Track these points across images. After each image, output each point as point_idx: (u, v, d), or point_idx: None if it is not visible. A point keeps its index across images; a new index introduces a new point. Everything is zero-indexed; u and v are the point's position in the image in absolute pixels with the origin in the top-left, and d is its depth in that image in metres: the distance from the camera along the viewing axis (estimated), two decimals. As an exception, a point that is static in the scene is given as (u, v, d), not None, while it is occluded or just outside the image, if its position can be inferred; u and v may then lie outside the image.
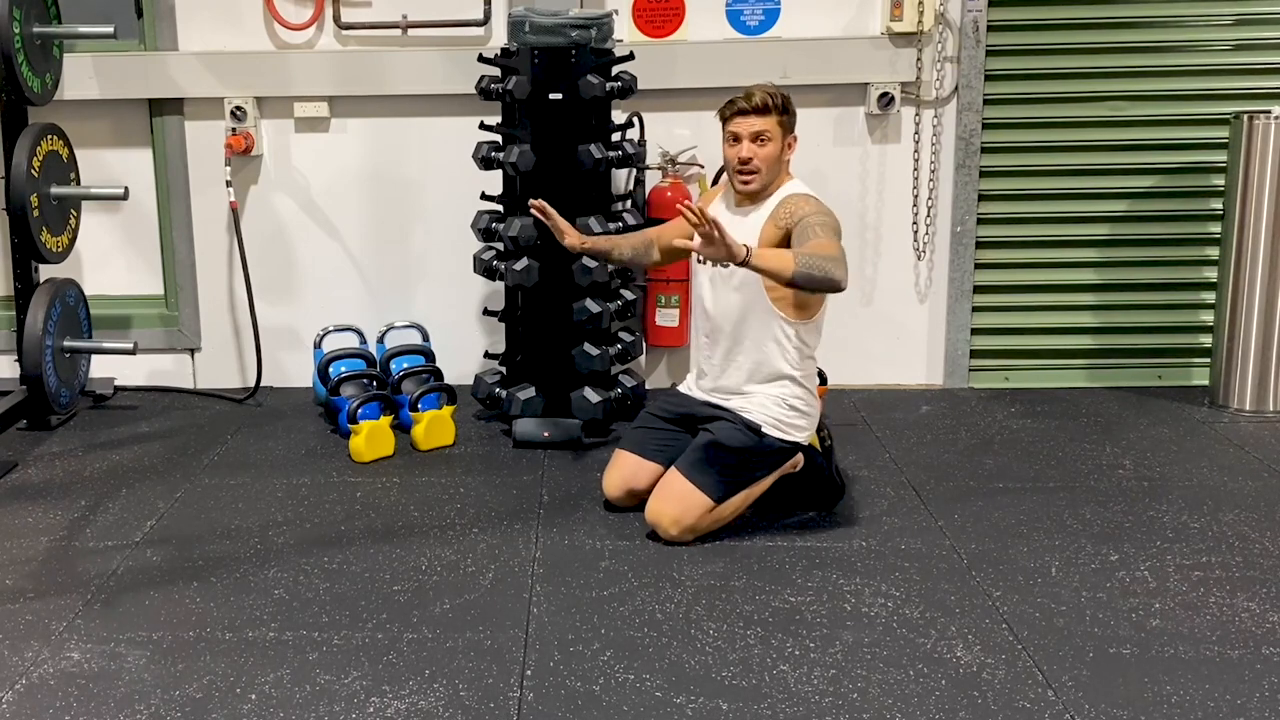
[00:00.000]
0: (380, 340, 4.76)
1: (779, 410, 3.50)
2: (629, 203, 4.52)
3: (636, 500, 3.62)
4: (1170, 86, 4.76)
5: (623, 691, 2.72)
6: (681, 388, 3.78)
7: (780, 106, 3.46)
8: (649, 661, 2.84)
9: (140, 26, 4.71)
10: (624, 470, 3.65)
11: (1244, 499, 3.77)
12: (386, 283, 4.91)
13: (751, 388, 3.54)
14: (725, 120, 3.52)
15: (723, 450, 3.45)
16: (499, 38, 4.61)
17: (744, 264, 3.20)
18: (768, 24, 4.67)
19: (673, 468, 3.49)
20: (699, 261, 3.55)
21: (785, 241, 3.40)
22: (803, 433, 3.55)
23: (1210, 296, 4.81)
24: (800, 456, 3.60)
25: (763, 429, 3.48)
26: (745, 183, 3.49)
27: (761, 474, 3.51)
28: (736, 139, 3.47)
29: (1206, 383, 4.76)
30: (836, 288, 3.26)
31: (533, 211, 3.68)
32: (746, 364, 3.54)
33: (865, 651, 2.88)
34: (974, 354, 4.92)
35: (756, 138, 3.45)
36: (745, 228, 3.48)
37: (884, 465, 4.07)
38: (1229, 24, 4.77)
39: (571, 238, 3.70)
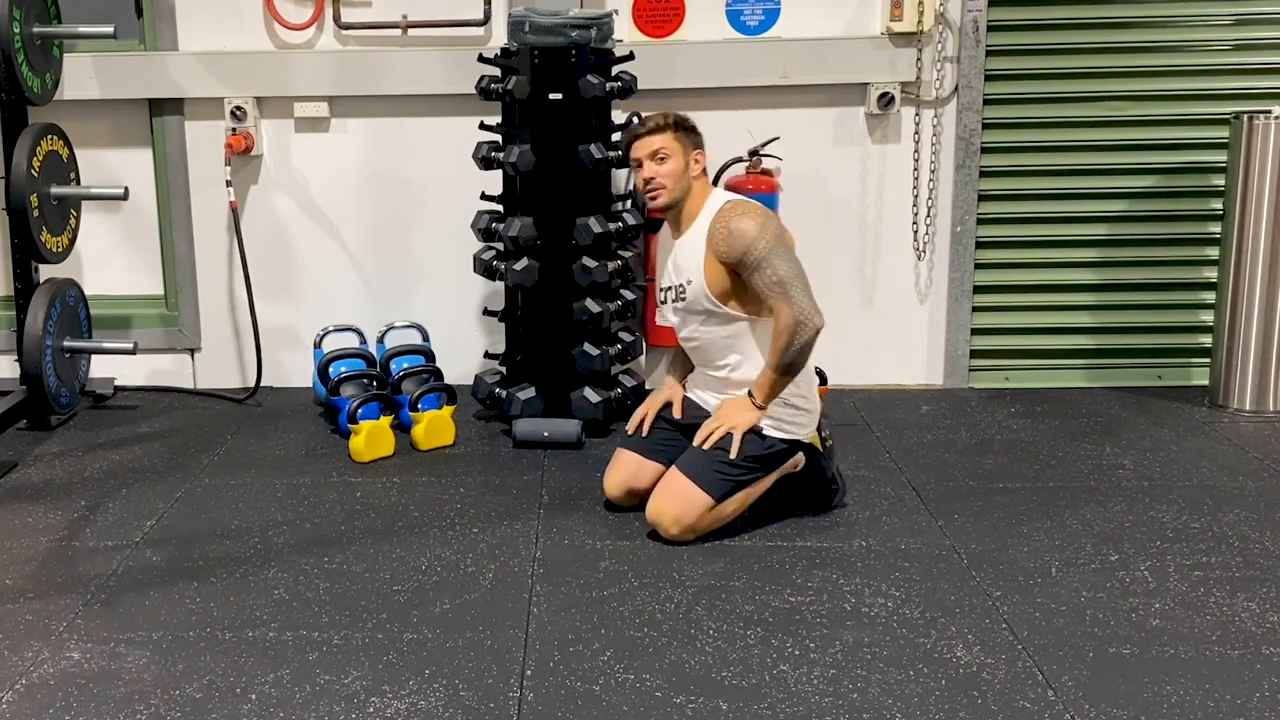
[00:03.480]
0: (380, 340, 4.76)
1: (779, 409, 3.50)
2: (629, 203, 4.52)
3: (637, 500, 3.62)
4: (1170, 86, 4.76)
5: (623, 691, 2.72)
6: (690, 392, 3.75)
7: (673, 124, 3.52)
8: (649, 661, 2.84)
9: (140, 26, 4.71)
10: (625, 470, 3.65)
11: (1244, 499, 3.77)
12: (386, 283, 4.91)
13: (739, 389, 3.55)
14: (626, 150, 3.61)
15: (724, 451, 3.45)
16: (499, 38, 4.61)
17: (761, 408, 3.44)
18: (768, 24, 4.67)
19: (674, 467, 3.49)
20: (662, 302, 3.68)
21: (734, 277, 3.44)
22: (804, 429, 3.56)
23: (1210, 296, 4.81)
24: (801, 456, 3.60)
25: (764, 429, 3.48)
26: (653, 199, 3.55)
27: (762, 473, 3.51)
28: (639, 164, 3.55)
29: (1206, 383, 4.76)
30: (816, 337, 3.41)
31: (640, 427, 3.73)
32: (739, 372, 3.55)
33: (865, 651, 2.88)
34: (974, 354, 4.92)
35: (654, 155, 3.51)
36: (688, 258, 3.53)
37: (884, 465, 4.07)
38: (1229, 24, 4.77)
39: (677, 394, 3.74)
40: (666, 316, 3.69)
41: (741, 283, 3.45)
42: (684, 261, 3.54)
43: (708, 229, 3.48)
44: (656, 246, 3.80)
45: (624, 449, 3.70)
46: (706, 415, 3.59)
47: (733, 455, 3.41)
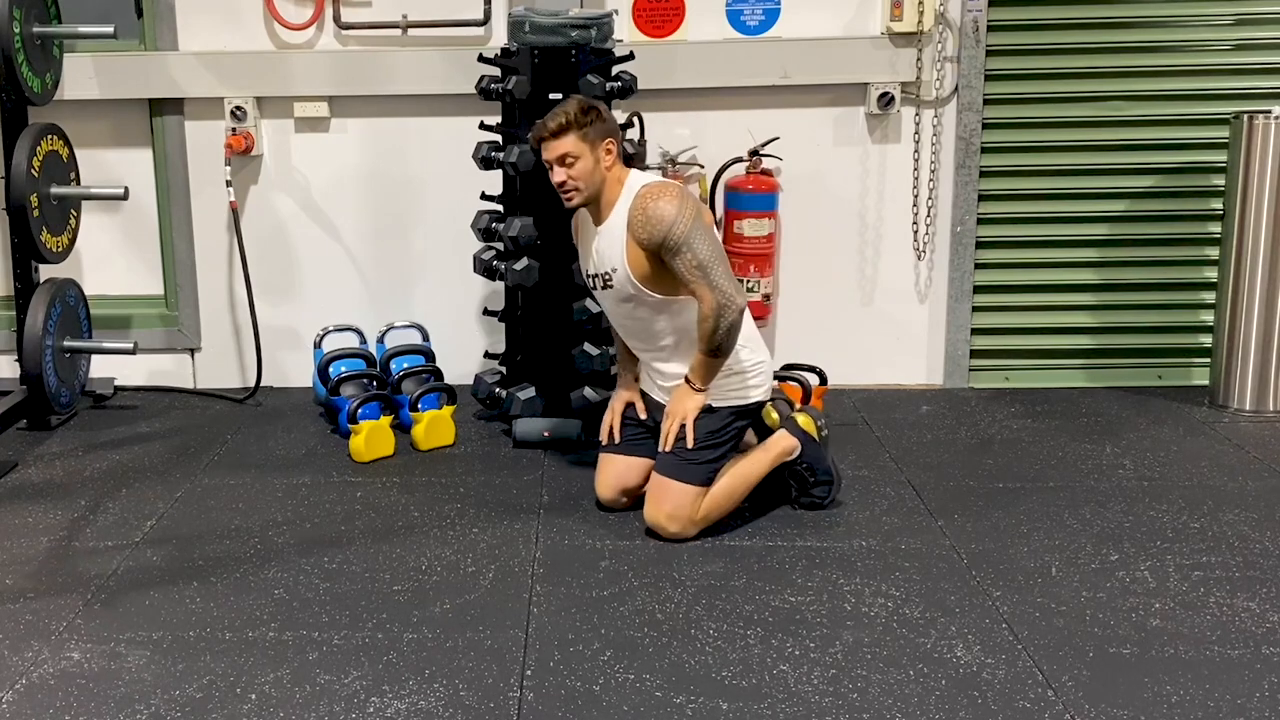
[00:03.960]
0: (380, 340, 4.76)
1: (721, 381, 3.53)
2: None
3: (631, 499, 3.64)
4: (1170, 86, 4.76)
5: (623, 691, 2.72)
6: (645, 387, 3.78)
7: (574, 121, 3.47)
8: (649, 661, 2.84)
9: (140, 26, 4.71)
10: (614, 470, 3.68)
11: (1244, 499, 3.77)
12: (386, 283, 4.91)
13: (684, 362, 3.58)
14: (534, 148, 3.63)
15: (680, 441, 3.50)
16: (499, 38, 4.61)
17: (702, 390, 3.49)
18: (768, 24, 4.67)
19: (654, 473, 3.54)
20: (590, 288, 3.70)
21: (656, 261, 3.45)
22: (758, 389, 3.60)
23: (1210, 296, 4.80)
24: (796, 443, 3.63)
25: (714, 405, 3.53)
26: (568, 200, 3.56)
27: (735, 440, 3.57)
28: (549, 165, 3.55)
29: (1206, 383, 4.76)
30: (740, 318, 3.42)
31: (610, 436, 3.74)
32: (671, 351, 3.59)
33: (865, 651, 2.88)
34: (974, 354, 4.92)
35: (562, 160, 3.50)
36: (610, 246, 3.54)
37: (884, 465, 4.07)
38: (1229, 24, 4.77)
39: (639, 397, 3.75)
40: (598, 300, 3.71)
41: (663, 267, 3.46)
42: (606, 249, 3.56)
43: (626, 215, 3.49)
44: (577, 227, 3.79)
45: (607, 453, 3.73)
46: (662, 409, 3.63)
47: (689, 444, 3.46)
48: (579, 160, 3.49)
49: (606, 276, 3.57)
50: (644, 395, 3.76)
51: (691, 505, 3.46)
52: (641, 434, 3.69)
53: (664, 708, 2.65)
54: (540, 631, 2.98)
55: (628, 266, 3.49)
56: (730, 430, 3.55)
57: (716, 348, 3.42)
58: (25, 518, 3.70)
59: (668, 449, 3.49)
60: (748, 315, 3.56)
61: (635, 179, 3.57)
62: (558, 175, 3.52)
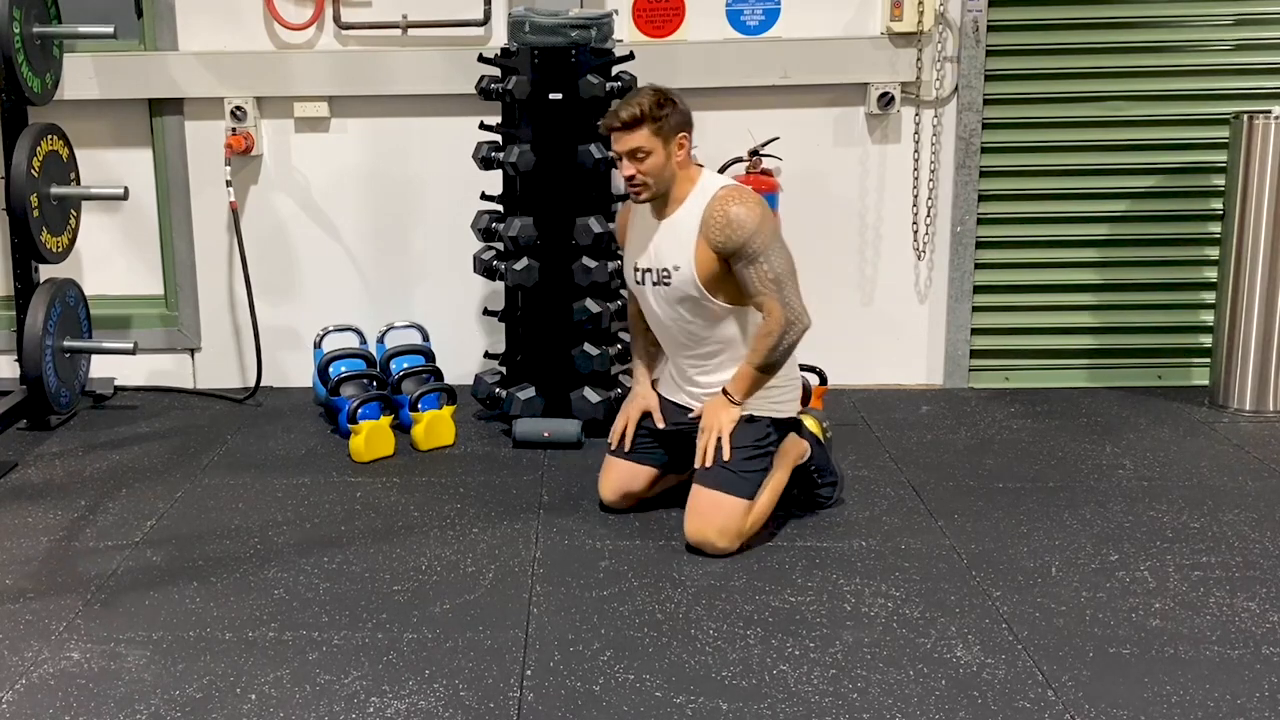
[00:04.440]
0: (380, 340, 4.76)
1: (772, 389, 3.46)
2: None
3: (633, 502, 3.63)
4: (1170, 86, 4.76)
5: (623, 691, 2.72)
6: (664, 392, 3.69)
7: (649, 115, 3.34)
8: (649, 661, 2.84)
9: (140, 26, 4.71)
10: (620, 475, 3.64)
11: (1244, 499, 3.77)
12: (386, 283, 4.91)
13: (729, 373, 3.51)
14: (605, 135, 3.48)
15: (735, 449, 3.41)
16: (499, 38, 4.61)
17: (739, 404, 3.39)
18: (768, 24, 4.67)
19: (696, 486, 3.41)
20: (637, 283, 3.56)
21: (724, 267, 3.37)
22: (791, 405, 3.55)
23: (1210, 296, 4.80)
24: (808, 447, 3.62)
25: (754, 415, 3.46)
26: (636, 195, 3.46)
27: (772, 453, 3.49)
28: (619, 157, 3.43)
29: (1206, 383, 4.76)
30: (800, 337, 3.38)
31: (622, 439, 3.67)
32: (715, 362, 3.52)
33: (865, 651, 2.88)
34: (974, 354, 4.92)
35: (633, 154, 3.37)
36: (675, 243, 3.42)
37: (884, 465, 4.07)
38: (1229, 24, 4.77)
39: (655, 403, 3.66)
40: (644, 296, 3.58)
41: (730, 272, 3.38)
42: (670, 246, 3.44)
43: (701, 215, 3.38)
44: (628, 218, 3.65)
45: (614, 456, 3.68)
46: (686, 416, 3.57)
47: (726, 457, 3.37)
48: (650, 155, 3.37)
49: (664, 273, 3.46)
50: (665, 404, 3.66)
51: (741, 520, 3.38)
52: (650, 442, 3.64)
53: (664, 708, 2.65)
54: (540, 631, 2.98)
55: (694, 268, 3.39)
56: (770, 441, 3.48)
57: (770, 364, 3.35)
58: (25, 518, 3.70)
59: (708, 464, 3.38)
60: None
61: (709, 178, 3.48)
62: (627, 169, 3.40)
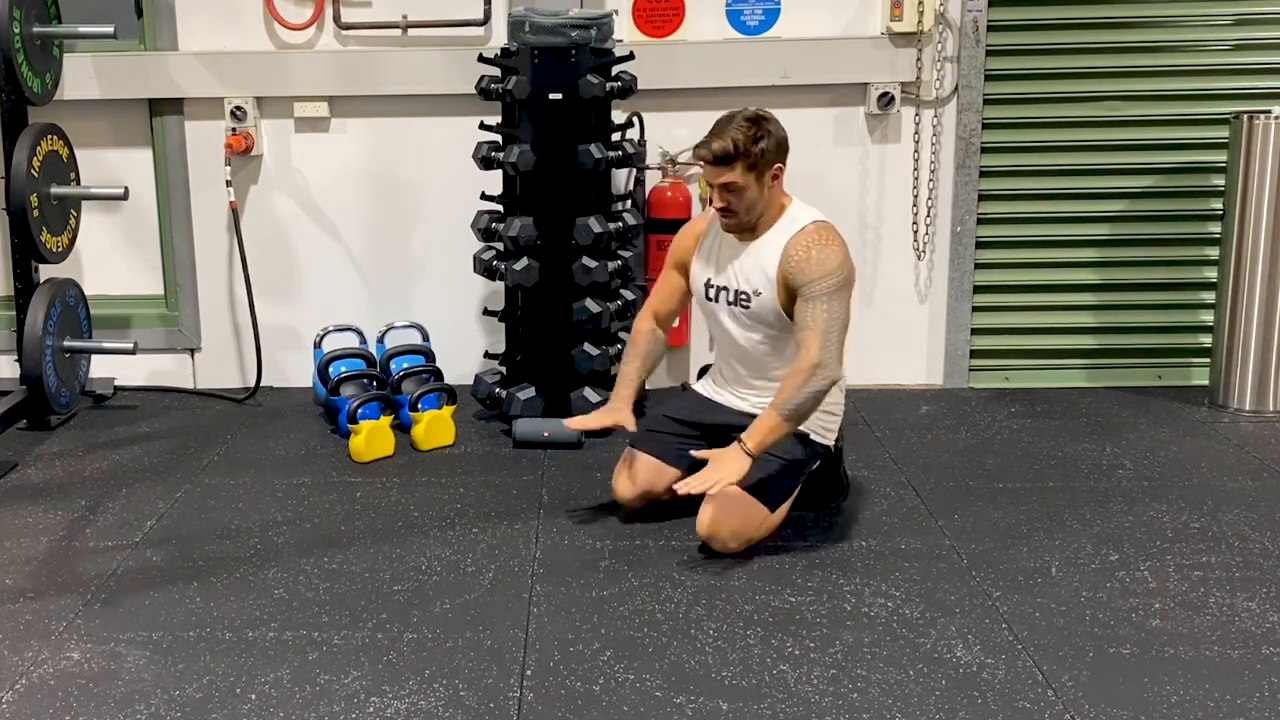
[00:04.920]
0: (380, 340, 4.76)
1: (822, 415, 3.43)
2: (629, 203, 4.53)
3: (648, 503, 3.58)
4: (1170, 86, 4.76)
5: (623, 691, 2.72)
6: (705, 391, 3.66)
7: (742, 152, 3.25)
8: (649, 661, 2.84)
9: (140, 26, 4.71)
10: (645, 473, 3.57)
11: (1244, 499, 3.77)
12: (386, 283, 4.91)
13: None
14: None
15: (776, 459, 3.38)
16: (499, 38, 4.61)
17: (753, 457, 3.24)
18: (768, 24, 4.67)
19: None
20: (708, 299, 3.51)
21: (793, 297, 3.33)
22: (834, 434, 3.54)
23: (1210, 296, 4.80)
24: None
25: (811, 436, 3.45)
26: (725, 225, 3.42)
27: (802, 477, 3.48)
28: (712, 185, 3.36)
29: (1206, 383, 4.76)
30: (828, 387, 3.27)
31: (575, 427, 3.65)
32: (777, 384, 3.42)
33: (865, 651, 2.88)
34: (974, 354, 4.92)
35: (726, 189, 3.31)
36: (758, 269, 3.39)
37: (884, 465, 4.07)
38: (1229, 24, 4.76)
39: (629, 418, 3.57)
40: (715, 313, 3.51)
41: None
42: (752, 270, 3.39)
43: (785, 247, 3.34)
44: (702, 228, 3.57)
45: (640, 451, 3.59)
46: (736, 415, 3.49)
47: (713, 491, 3.22)
48: (744, 190, 3.29)
49: (744, 297, 3.41)
50: (709, 403, 3.62)
51: (757, 528, 3.36)
52: (681, 441, 3.54)
53: (664, 708, 2.65)
54: (540, 631, 2.98)
55: (776, 295, 3.35)
56: (806, 467, 3.46)
57: (798, 410, 3.23)
58: (25, 518, 3.70)
59: (686, 493, 3.22)
60: None
61: (799, 209, 3.42)
62: (719, 199, 3.33)
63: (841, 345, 3.30)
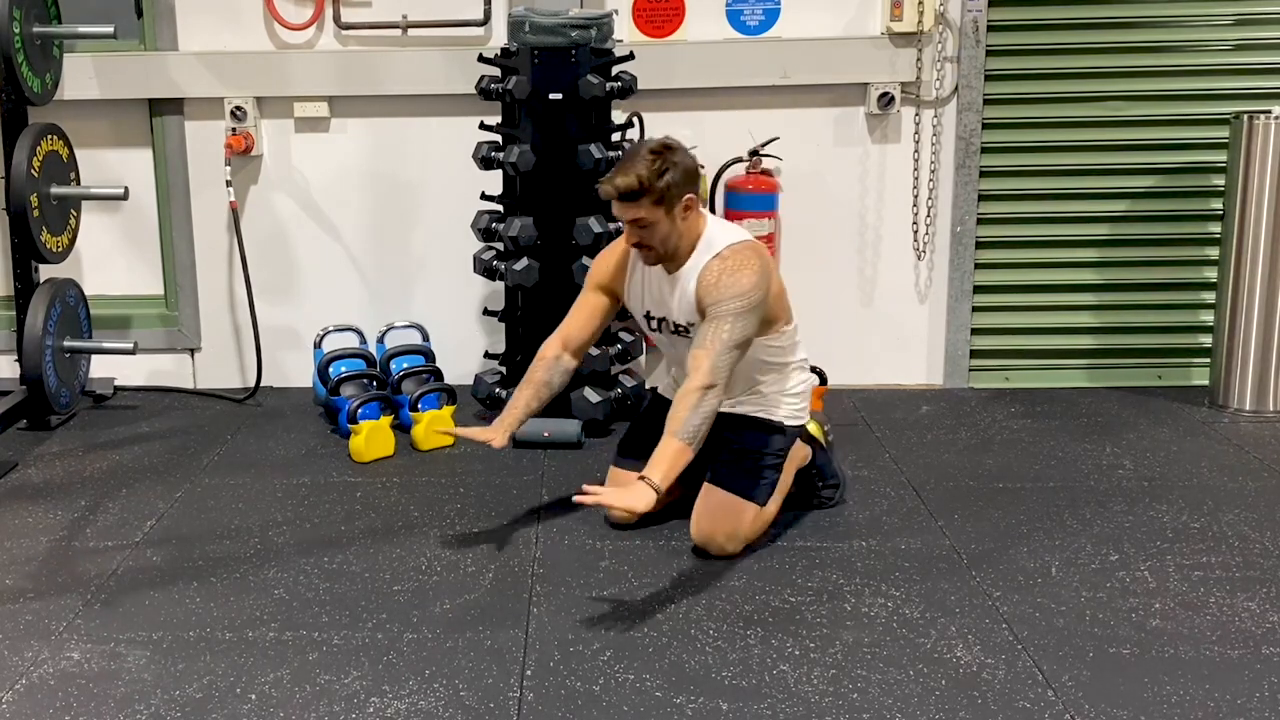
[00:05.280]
0: (380, 340, 4.76)
1: (790, 401, 3.46)
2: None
3: (637, 518, 3.57)
4: (1170, 86, 4.76)
5: (623, 691, 2.72)
6: (668, 394, 3.58)
7: (647, 187, 3.13)
8: (649, 661, 2.84)
9: (140, 26, 4.71)
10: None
11: (1244, 499, 3.77)
12: (386, 283, 4.91)
13: (755, 392, 3.47)
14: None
15: (754, 454, 3.39)
16: (499, 38, 4.61)
17: (658, 490, 3.03)
18: (768, 24, 4.67)
19: (708, 485, 3.39)
20: (651, 329, 3.47)
21: None
22: (804, 415, 3.54)
23: (1210, 296, 4.80)
24: (809, 451, 3.61)
25: (786, 424, 3.45)
26: (644, 260, 3.33)
27: (783, 461, 3.47)
28: (622, 221, 3.27)
29: (1206, 383, 4.76)
30: (717, 406, 3.12)
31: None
32: (739, 385, 3.42)
33: (865, 651, 2.88)
34: (974, 354, 4.92)
35: (636, 224, 3.21)
36: (685, 301, 3.29)
37: (884, 465, 4.07)
38: (1229, 24, 4.76)
39: (499, 437, 3.41)
40: (659, 339, 3.49)
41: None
42: (681, 302, 3.32)
43: (699, 275, 3.23)
44: (626, 260, 3.46)
45: (622, 469, 3.56)
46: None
47: (620, 507, 3.10)
48: (654, 225, 3.19)
49: (683, 328, 3.35)
50: (658, 397, 3.62)
51: (751, 525, 3.37)
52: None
53: (664, 708, 2.65)
54: (540, 631, 2.98)
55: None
56: (785, 452, 3.46)
57: (695, 434, 3.06)
58: (25, 518, 3.70)
59: (583, 503, 3.02)
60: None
61: (716, 234, 3.29)
62: (630, 235, 3.25)
63: (731, 366, 3.15)
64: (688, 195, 3.21)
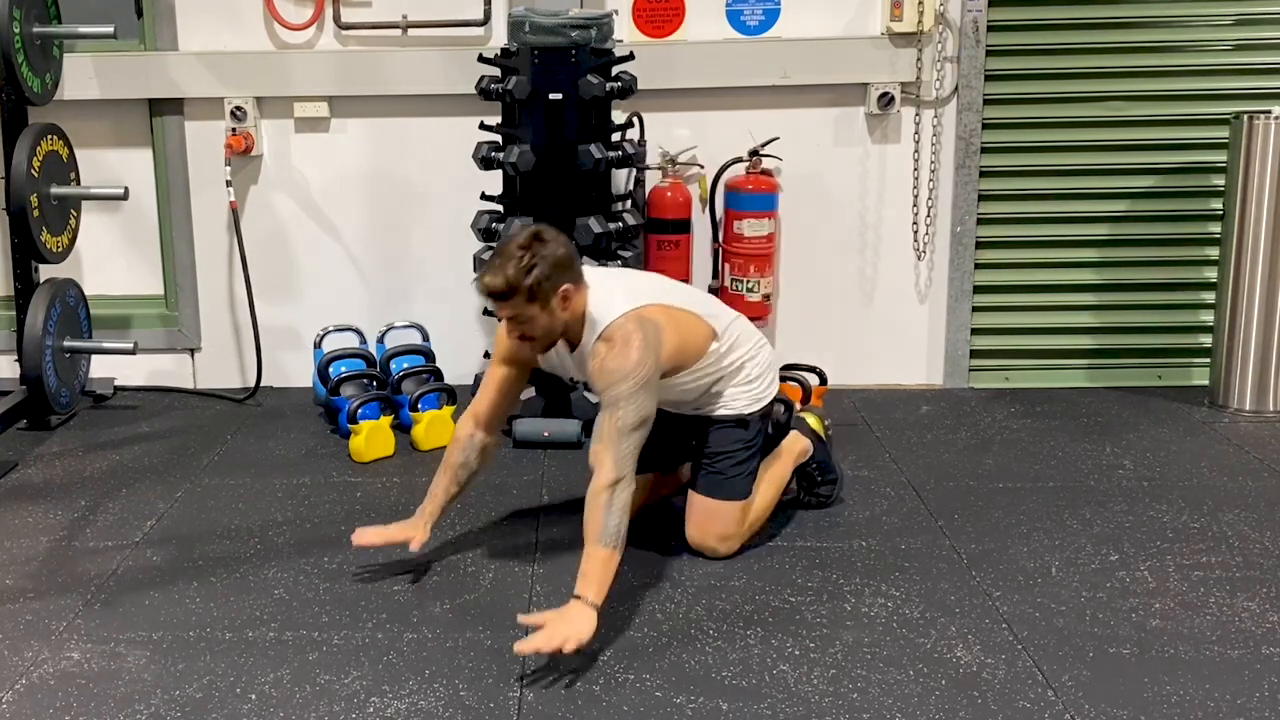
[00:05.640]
0: (380, 340, 4.76)
1: (747, 389, 3.39)
2: (629, 203, 4.53)
3: (637, 512, 3.56)
4: (1170, 86, 4.76)
5: (623, 691, 2.72)
6: None
7: (515, 289, 2.99)
8: (649, 661, 2.84)
9: (140, 26, 4.71)
10: None
11: (1244, 499, 3.77)
12: (386, 283, 4.91)
13: (711, 395, 3.38)
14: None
15: (725, 455, 3.38)
16: (499, 38, 4.60)
17: (597, 608, 2.85)
18: (768, 24, 4.67)
19: (691, 493, 3.40)
20: (585, 392, 3.35)
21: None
22: (771, 387, 3.46)
23: (1210, 296, 4.80)
24: (809, 445, 3.61)
25: (747, 413, 3.39)
26: (532, 350, 3.21)
27: (761, 446, 3.44)
28: (498, 316, 3.18)
29: (1206, 383, 4.76)
30: (629, 496, 2.97)
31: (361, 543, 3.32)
32: (693, 402, 3.37)
33: (865, 651, 2.88)
34: (974, 354, 4.92)
35: (513, 320, 3.10)
36: (584, 369, 3.18)
37: (884, 465, 4.07)
38: (1229, 24, 4.76)
39: (421, 532, 3.29)
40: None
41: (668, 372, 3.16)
42: (578, 371, 3.22)
43: (589, 356, 3.12)
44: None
45: None
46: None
47: (569, 649, 2.76)
48: (533, 319, 3.06)
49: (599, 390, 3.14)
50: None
51: (740, 522, 3.37)
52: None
53: (664, 708, 2.65)
54: (540, 631, 2.97)
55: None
56: (760, 434, 3.44)
57: (615, 533, 2.90)
58: (25, 518, 3.70)
59: (528, 651, 2.77)
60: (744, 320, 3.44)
61: (601, 309, 3.11)
62: (511, 331, 3.13)
63: (636, 450, 2.99)
64: (564, 286, 3.05)
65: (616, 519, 2.91)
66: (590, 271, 3.23)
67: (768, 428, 3.51)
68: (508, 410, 3.42)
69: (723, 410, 3.41)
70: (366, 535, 3.30)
